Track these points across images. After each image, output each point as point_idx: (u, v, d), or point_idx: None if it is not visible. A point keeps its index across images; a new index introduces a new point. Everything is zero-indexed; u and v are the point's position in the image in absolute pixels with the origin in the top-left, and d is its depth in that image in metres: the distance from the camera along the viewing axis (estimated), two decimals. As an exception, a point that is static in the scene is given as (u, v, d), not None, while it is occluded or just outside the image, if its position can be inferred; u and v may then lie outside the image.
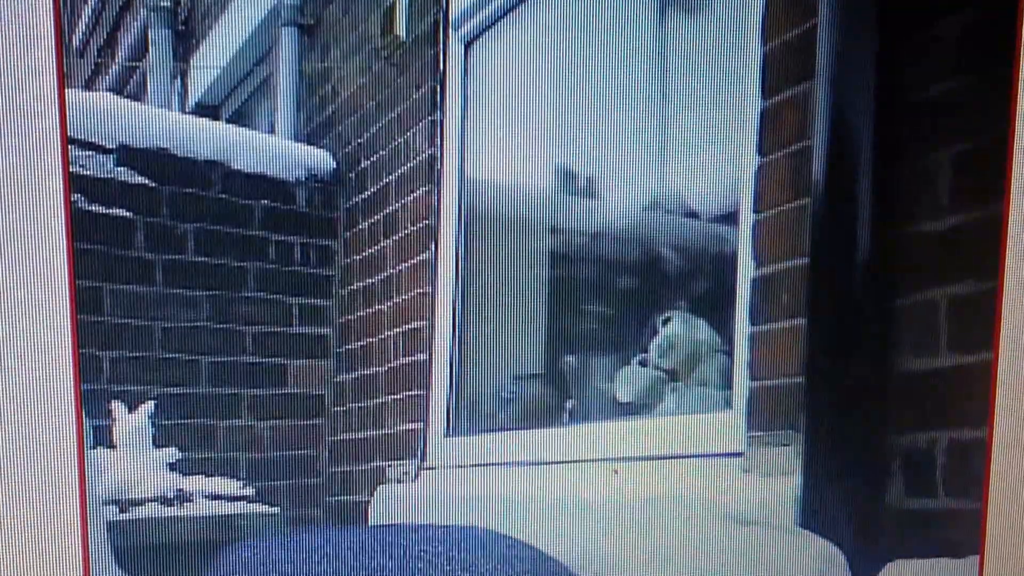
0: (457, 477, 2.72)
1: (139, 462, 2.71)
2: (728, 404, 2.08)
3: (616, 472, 2.17)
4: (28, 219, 1.13)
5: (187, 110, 4.41)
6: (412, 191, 3.01)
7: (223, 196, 3.22)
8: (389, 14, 3.11)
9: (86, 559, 1.16)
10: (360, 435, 3.10)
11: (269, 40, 3.85)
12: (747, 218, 2.02)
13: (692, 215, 2.51)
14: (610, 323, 2.65)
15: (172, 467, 2.79)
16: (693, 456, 2.07)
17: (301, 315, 3.23)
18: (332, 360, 3.25)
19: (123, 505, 2.58)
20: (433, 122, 2.99)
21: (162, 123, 3.24)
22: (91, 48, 4.94)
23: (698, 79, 2.31)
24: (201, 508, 2.66)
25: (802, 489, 1.78)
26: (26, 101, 1.13)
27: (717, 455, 2.03)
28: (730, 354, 2.10)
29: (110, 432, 2.77)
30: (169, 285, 3.11)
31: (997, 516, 1.35)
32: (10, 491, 1.16)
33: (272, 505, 2.78)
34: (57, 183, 1.13)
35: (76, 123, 3.04)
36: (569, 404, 2.65)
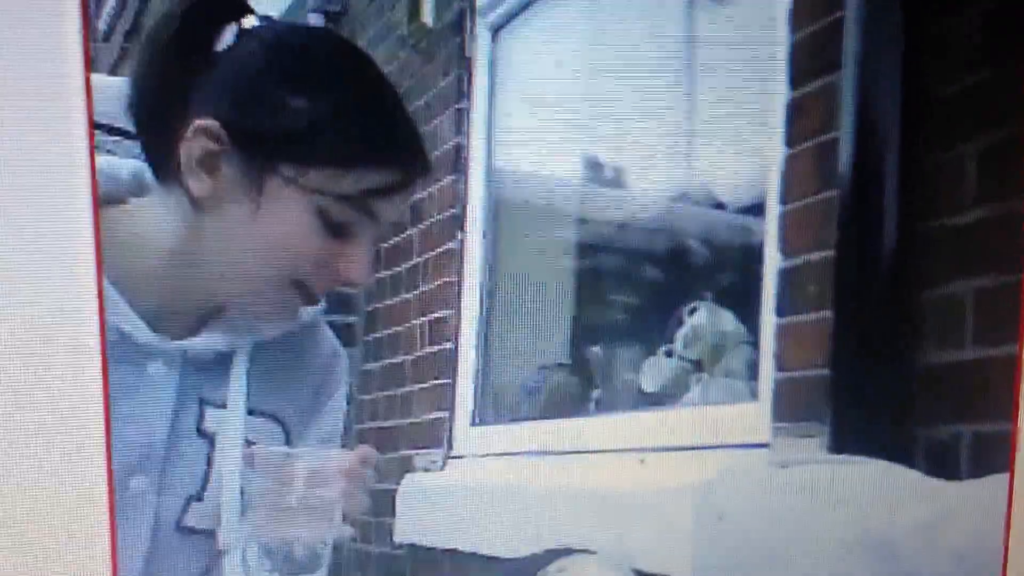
0: (484, 466, 2.73)
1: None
2: (754, 395, 2.08)
3: (643, 462, 2.17)
4: (55, 202, 1.13)
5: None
6: (438, 180, 3.00)
7: (248, 182, 3.18)
8: (416, 1, 3.10)
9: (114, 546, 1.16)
10: (387, 423, 3.10)
11: (294, 26, 3.84)
12: (774, 209, 2.01)
13: (719, 206, 2.52)
14: (636, 313, 2.64)
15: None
16: (719, 447, 2.07)
17: (328, 303, 3.22)
18: (359, 348, 3.25)
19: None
20: (460, 110, 2.98)
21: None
22: (117, 33, 4.93)
23: (726, 69, 2.30)
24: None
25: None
26: (52, 86, 1.13)
27: (743, 446, 2.03)
28: (756, 345, 2.10)
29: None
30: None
31: (1022, 510, 1.34)
32: (35, 484, 1.17)
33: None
34: (84, 168, 1.13)
35: (102, 108, 3.04)
36: (595, 394, 2.65)
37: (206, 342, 1.22)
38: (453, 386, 2.89)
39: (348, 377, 1.37)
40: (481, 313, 2.87)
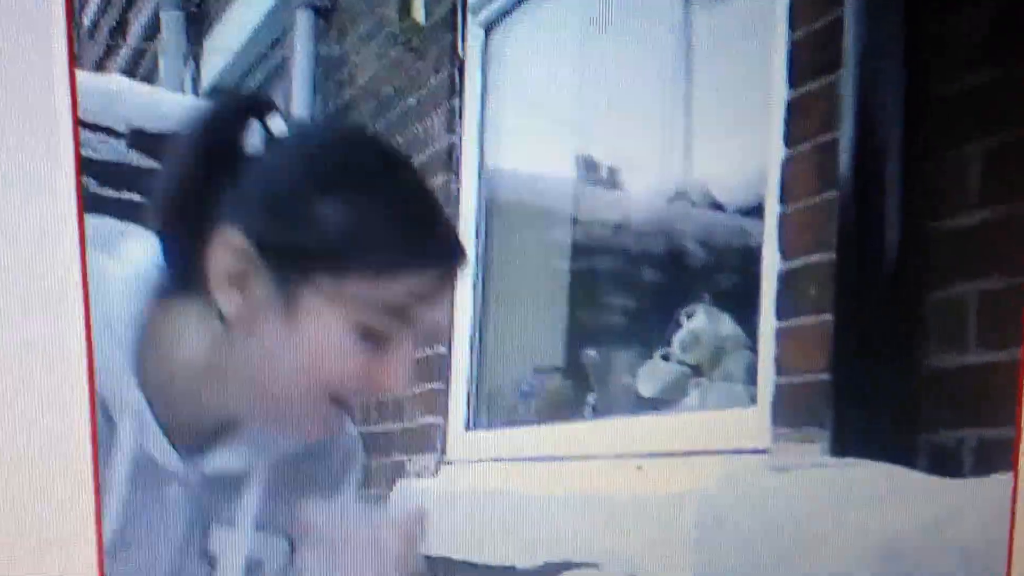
0: (477, 472, 2.71)
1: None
2: (753, 400, 2.06)
3: (640, 468, 2.16)
4: (39, 201, 1.11)
5: (200, 93, 4.40)
6: (431, 179, 2.97)
7: (237, 181, 3.18)
8: (407, -2, 3.10)
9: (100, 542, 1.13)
10: (378, 428, 3.09)
11: (284, 23, 3.84)
12: (773, 210, 1.99)
13: (717, 207, 2.50)
14: (632, 316, 2.64)
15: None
16: (718, 453, 2.06)
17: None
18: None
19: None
20: (452, 109, 2.96)
21: (174, 106, 3.22)
22: (102, 29, 4.93)
23: (723, 67, 2.30)
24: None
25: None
26: (36, 83, 1.11)
27: (742, 452, 2.01)
28: (755, 349, 2.08)
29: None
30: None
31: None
32: (20, 488, 1.14)
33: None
34: (68, 166, 1.11)
35: (87, 106, 3.03)
36: (591, 398, 2.63)
37: (228, 462, 1.19)
38: (446, 390, 2.88)
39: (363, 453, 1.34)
40: (474, 316, 2.86)
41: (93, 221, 1.12)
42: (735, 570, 1.64)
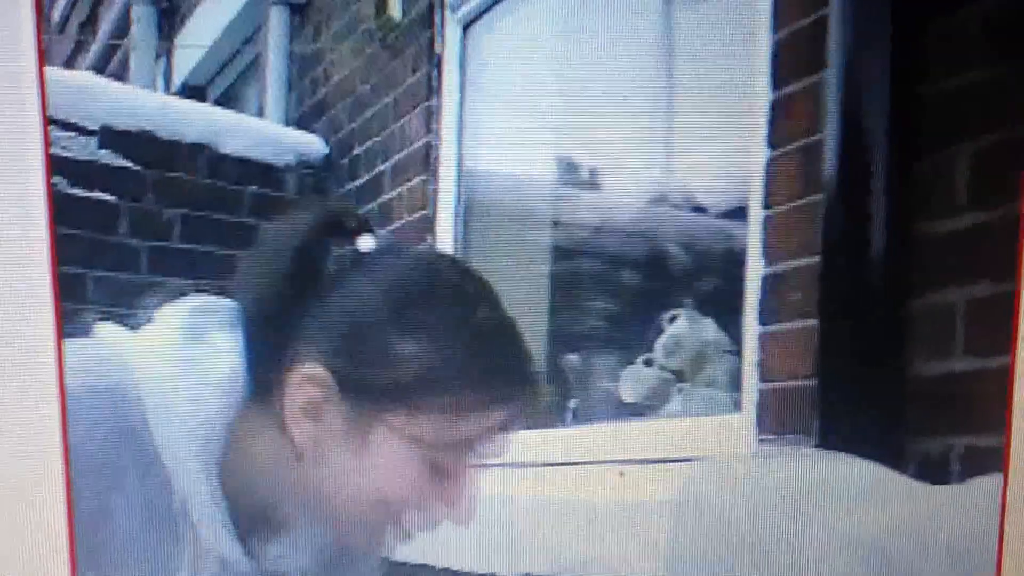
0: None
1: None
2: (737, 406, 2.05)
3: (622, 474, 2.15)
4: (7, 201, 1.10)
5: (172, 91, 4.39)
6: (408, 179, 2.97)
7: (210, 181, 3.18)
8: (383, -7, 3.09)
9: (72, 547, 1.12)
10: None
11: (258, 19, 3.82)
12: (757, 213, 1.98)
13: (699, 209, 2.49)
14: (614, 321, 2.63)
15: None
16: (701, 459, 2.05)
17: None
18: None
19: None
20: (429, 108, 2.94)
21: (146, 104, 3.21)
22: (72, 25, 4.92)
23: (706, 67, 2.28)
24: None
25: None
26: (4, 79, 1.09)
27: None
28: (739, 354, 2.07)
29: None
30: (155, 272, 3.07)
31: (1015, 524, 1.31)
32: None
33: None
34: (38, 164, 1.10)
35: (56, 103, 2.99)
36: (572, 404, 2.62)
37: (284, 556, 1.19)
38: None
39: None
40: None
41: (189, 303, 1.17)
42: (713, 551, 1.64)
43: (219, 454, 1.12)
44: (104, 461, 1.09)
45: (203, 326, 1.16)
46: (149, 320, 1.20)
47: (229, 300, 1.19)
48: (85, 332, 1.18)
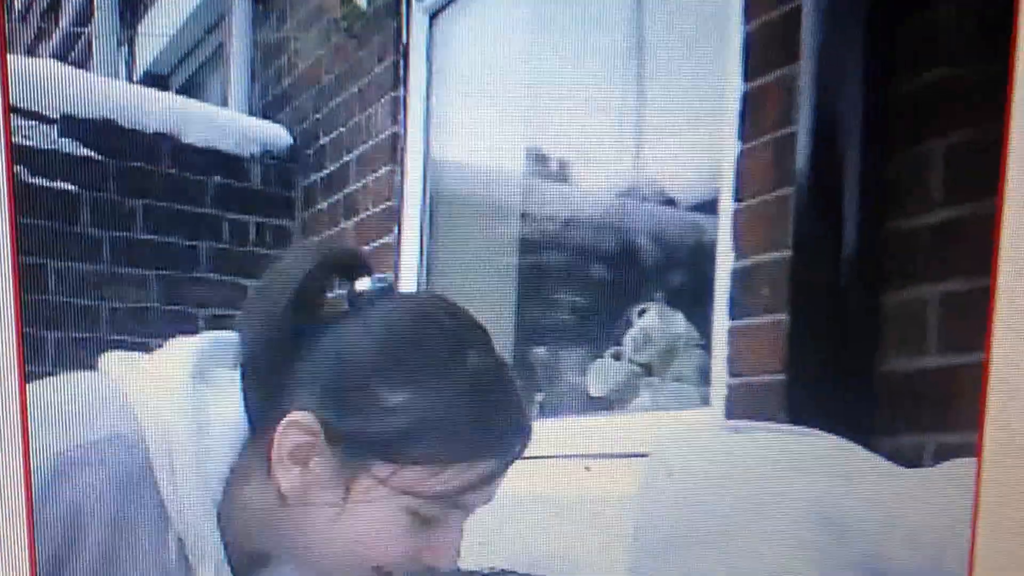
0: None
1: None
2: (706, 401, 2.05)
3: (588, 469, 2.14)
4: None
5: (134, 79, 4.37)
6: (374, 170, 2.97)
7: (173, 171, 3.17)
8: (348, -18, 3.08)
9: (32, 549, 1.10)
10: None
11: (221, 7, 3.81)
12: (727, 207, 1.98)
13: (669, 202, 2.48)
14: (582, 314, 2.63)
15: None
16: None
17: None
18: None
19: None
20: (396, 98, 2.94)
21: (108, 92, 3.19)
22: (33, 12, 4.88)
23: (677, 59, 2.28)
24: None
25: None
26: None
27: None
28: (708, 349, 2.06)
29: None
30: (117, 263, 3.05)
31: (987, 523, 1.30)
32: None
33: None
34: (0, 153, 1.08)
35: (17, 91, 2.96)
36: (539, 398, 2.62)
37: None
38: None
39: None
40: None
41: (199, 341, 1.16)
42: (681, 521, 1.62)
43: (219, 496, 1.12)
44: (111, 511, 1.08)
45: (212, 364, 1.16)
46: (159, 347, 1.19)
47: (236, 335, 1.19)
48: (91, 365, 1.18)
